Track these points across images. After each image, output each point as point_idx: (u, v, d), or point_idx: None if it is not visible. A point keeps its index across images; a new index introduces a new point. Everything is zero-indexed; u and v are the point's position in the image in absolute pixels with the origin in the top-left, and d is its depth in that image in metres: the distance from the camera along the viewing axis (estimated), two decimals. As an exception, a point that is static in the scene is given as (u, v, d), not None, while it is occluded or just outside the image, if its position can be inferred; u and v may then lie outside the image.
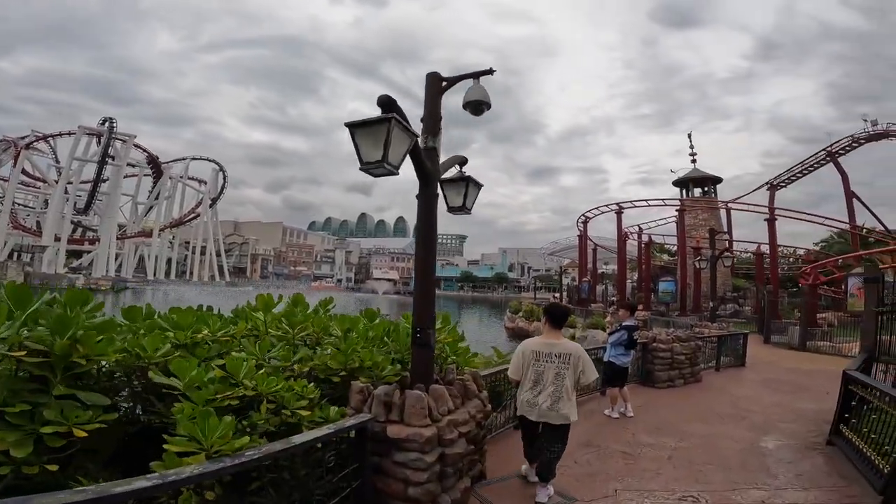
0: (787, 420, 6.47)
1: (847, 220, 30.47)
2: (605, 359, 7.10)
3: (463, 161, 4.46)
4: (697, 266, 14.96)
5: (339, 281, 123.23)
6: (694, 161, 34.00)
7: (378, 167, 2.76)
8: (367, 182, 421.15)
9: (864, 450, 4.49)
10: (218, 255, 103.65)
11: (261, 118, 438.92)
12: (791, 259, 36.73)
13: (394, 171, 2.81)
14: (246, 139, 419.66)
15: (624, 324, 7.03)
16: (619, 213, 30.35)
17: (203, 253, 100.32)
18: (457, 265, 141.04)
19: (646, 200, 30.23)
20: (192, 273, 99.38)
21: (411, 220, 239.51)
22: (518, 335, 30.02)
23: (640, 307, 28.80)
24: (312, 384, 3.03)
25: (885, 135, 29.87)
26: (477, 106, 3.98)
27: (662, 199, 29.68)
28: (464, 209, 4.34)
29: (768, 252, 29.06)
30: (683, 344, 8.73)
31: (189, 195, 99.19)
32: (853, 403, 4.98)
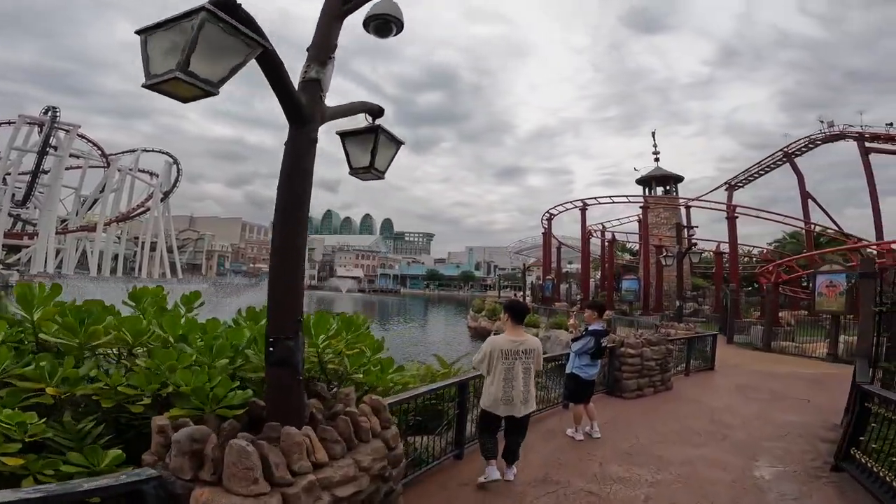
0: (775, 438, 5.55)
1: (804, 221, 31.01)
2: (569, 370, 5.98)
3: (376, 111, 3.19)
4: (663, 262, 14.22)
5: (302, 279, 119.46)
6: (657, 160, 33.99)
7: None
8: (333, 179, 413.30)
9: (890, 479, 3.53)
10: (170, 251, 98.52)
11: (225, 112, 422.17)
12: (746, 259, 37.38)
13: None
14: (208, 133, 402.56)
15: (590, 328, 5.88)
16: (583, 209, 29.88)
17: (153, 249, 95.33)
18: (423, 263, 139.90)
19: (610, 197, 29.99)
20: (140, 270, 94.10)
21: (379, 217, 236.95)
22: (480, 334, 29.03)
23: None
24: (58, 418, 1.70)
25: (841, 136, 30.60)
26: (383, 25, 2.73)
27: (626, 196, 29.49)
28: (372, 171, 3.07)
29: (727, 251, 29.26)
30: (654, 348, 7.79)
31: (141, 189, 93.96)
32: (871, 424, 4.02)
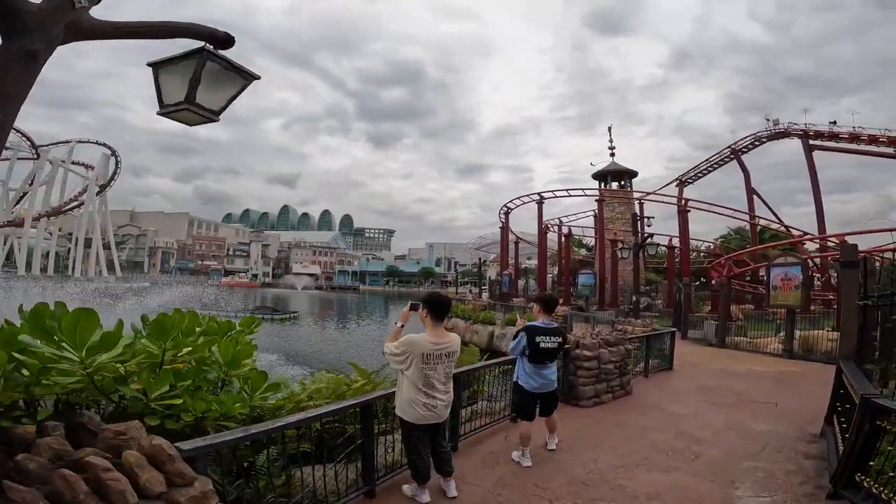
0: (752, 455, 4.75)
1: (749, 215, 31.81)
2: (514, 377, 5.00)
3: (220, 38, 2.01)
4: (619, 255, 13.60)
5: (255, 276, 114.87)
6: (612, 155, 33.98)
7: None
8: (291, 174, 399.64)
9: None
10: (107, 247, 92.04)
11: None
12: (695, 253, 38.23)
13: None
14: (155, 125, 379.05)
15: (529, 324, 4.76)
16: (539, 203, 29.39)
17: (89, 246, 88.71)
18: (383, 259, 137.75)
19: (566, 191, 29.62)
20: (74, 268, 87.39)
21: (338, 212, 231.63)
22: (436, 332, 28.08)
23: (561, 301, 28.09)
24: None
25: (786, 133, 31.60)
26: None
27: (582, 190, 29.22)
28: (191, 109, 1.94)
29: (678, 245, 29.59)
30: (612, 349, 6.92)
31: (77, 182, 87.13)
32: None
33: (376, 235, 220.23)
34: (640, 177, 34.29)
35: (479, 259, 36.32)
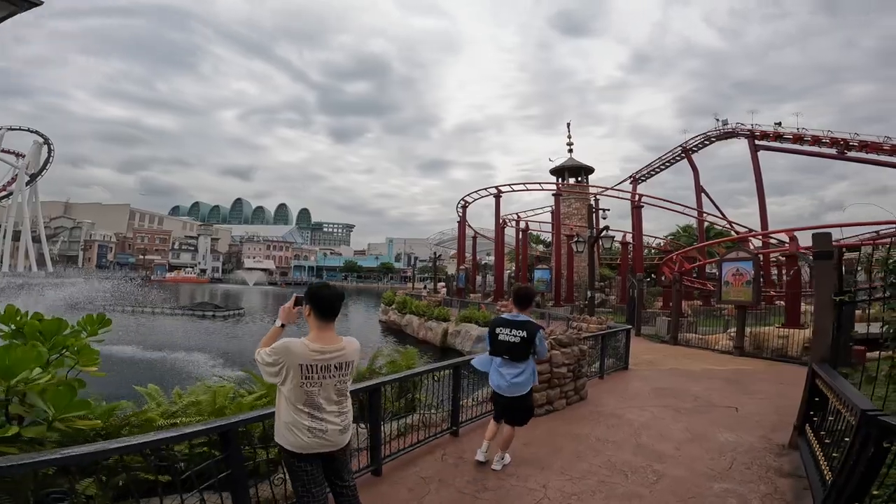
0: (720, 472, 4.13)
1: (697, 211, 32.60)
2: None
3: None
4: (575, 249, 13.11)
5: (204, 271, 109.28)
6: (570, 151, 34.04)
7: None
8: (246, 166, 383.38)
9: None
10: (37, 241, 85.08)
11: (120, 92, 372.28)
12: (646, 249, 39.07)
13: None
14: (98, 114, 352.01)
15: (497, 317, 4.52)
16: (497, 197, 28.89)
17: (17, 238, 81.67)
18: (341, 254, 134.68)
19: (524, 185, 29.24)
20: (2, 261, 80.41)
21: (296, 206, 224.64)
22: (391, 330, 27.05)
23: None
24: None
25: (733, 133, 32.58)
26: None
27: (540, 185, 28.94)
28: None
29: (632, 242, 29.92)
30: (565, 351, 6.24)
31: (4, 171, 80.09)
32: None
33: (335, 230, 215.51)
34: (596, 176, 34.63)
35: (434, 253, 35.44)
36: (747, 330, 11.43)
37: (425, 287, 38.26)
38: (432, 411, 5.44)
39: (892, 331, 3.69)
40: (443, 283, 38.16)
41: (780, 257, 20.71)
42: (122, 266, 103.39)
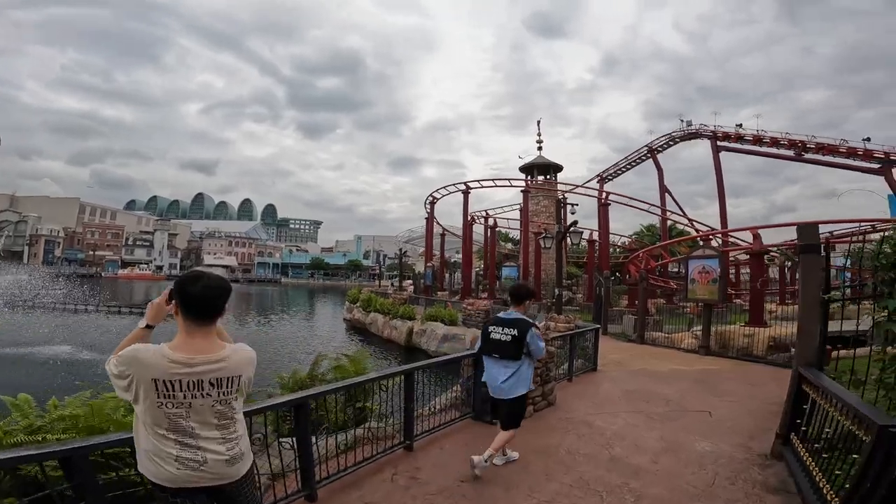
0: (702, 489, 3.71)
1: (661, 210, 33.12)
2: None
3: None
4: (542, 245, 12.74)
5: (160, 268, 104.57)
6: (540, 148, 33.94)
7: None
8: (209, 160, 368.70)
9: None
10: (-24, 234, 79.27)
11: (77, 83, 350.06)
12: (612, 248, 39.57)
13: None
14: (52, 105, 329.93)
15: (494, 316, 4.44)
16: (466, 193, 28.41)
17: (-45, 233, 75.88)
18: (307, 251, 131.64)
19: (493, 181, 28.86)
20: (-65, 258, 74.44)
21: (261, 202, 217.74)
22: (356, 328, 26.18)
23: (485, 295, 27.45)
24: None
25: (697, 134, 33.26)
26: None
27: (509, 181, 28.65)
28: None
29: (598, 240, 30.10)
30: (534, 353, 5.75)
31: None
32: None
33: (302, 227, 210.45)
34: (564, 176, 34.70)
35: (400, 249, 34.68)
36: (712, 329, 11.34)
37: (392, 284, 37.38)
38: (383, 424, 4.85)
39: (885, 331, 3.33)
40: (410, 281, 37.45)
41: (741, 256, 21.12)
42: (70, 262, 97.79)
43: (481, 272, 34.37)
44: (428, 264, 30.26)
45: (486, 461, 3.82)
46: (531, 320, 4.07)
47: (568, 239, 11.97)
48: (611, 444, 4.82)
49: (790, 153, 29.58)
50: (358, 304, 26.55)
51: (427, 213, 32.96)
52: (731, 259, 26.40)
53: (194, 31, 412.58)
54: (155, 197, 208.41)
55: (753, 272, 11.76)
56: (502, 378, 3.88)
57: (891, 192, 29.45)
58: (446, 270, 36.87)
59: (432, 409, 5.44)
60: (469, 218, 30.84)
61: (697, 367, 9.37)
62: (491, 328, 4.00)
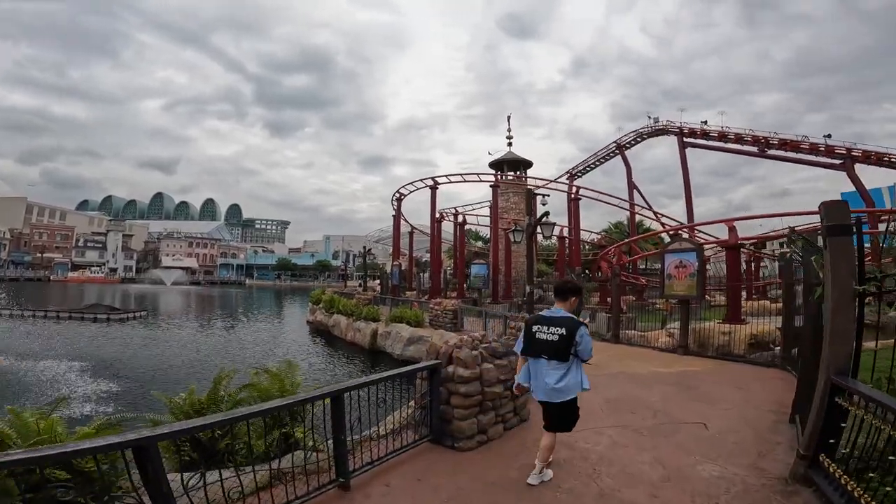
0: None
1: (629, 205, 33.06)
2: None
3: None
4: (512, 239, 11.91)
5: (114, 270, 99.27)
6: (510, 144, 33.30)
7: None
8: (169, 158, 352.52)
9: None
10: None
11: (27, 79, 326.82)
12: (582, 244, 39.45)
13: None
14: (1, 102, 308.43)
15: (536, 314, 4.06)
16: (433, 188, 27.39)
17: None
18: (273, 252, 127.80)
19: (461, 176, 27.98)
20: None
21: (225, 202, 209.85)
22: (319, 331, 24.80)
23: (454, 294, 26.57)
24: None
25: (664, 130, 33.44)
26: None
27: (478, 175, 27.74)
28: None
29: (569, 236, 29.73)
30: (500, 363, 4.83)
31: None
32: None
33: (269, 227, 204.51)
34: (534, 173, 34.26)
35: (364, 247, 33.37)
36: (691, 327, 10.76)
37: (360, 284, 36.08)
38: (313, 454, 3.83)
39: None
40: (378, 281, 36.18)
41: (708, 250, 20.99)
42: (17, 265, 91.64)
43: (451, 271, 33.50)
44: (395, 263, 29.11)
45: (541, 473, 3.72)
46: (580, 319, 3.78)
47: (539, 234, 11.15)
48: (597, 471, 3.94)
49: (754, 149, 30.03)
50: (321, 306, 25.17)
51: (394, 209, 31.79)
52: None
53: (156, 27, 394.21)
54: (110, 197, 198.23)
55: (730, 266, 11.28)
56: (553, 380, 3.60)
57: (844, 190, 30.35)
58: (417, 269, 35.81)
59: (380, 433, 4.44)
60: (438, 215, 29.92)
61: (678, 368, 8.70)
62: (535, 327, 3.71)
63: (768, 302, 17.12)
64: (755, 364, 8.96)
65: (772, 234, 13.52)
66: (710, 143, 30.78)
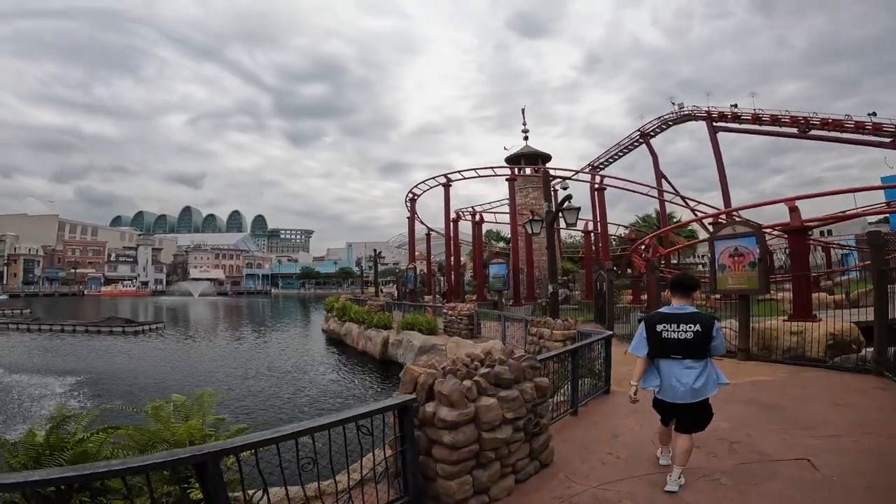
0: None
1: (659, 192, 30.85)
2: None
3: None
4: (530, 230, 10.33)
5: (145, 284, 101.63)
6: (526, 138, 31.63)
7: None
8: (195, 173, 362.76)
9: None
10: (-50, 257, 76.46)
11: (55, 97, 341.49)
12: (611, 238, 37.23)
13: None
14: (29, 120, 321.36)
15: (654, 312, 3.80)
16: (447, 185, 25.95)
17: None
18: (297, 260, 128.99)
19: (475, 170, 26.39)
20: None
21: (250, 213, 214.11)
22: (333, 340, 23.69)
23: (474, 298, 25.03)
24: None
25: (691, 116, 31.16)
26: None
27: (492, 169, 26.09)
28: None
29: (595, 230, 27.81)
30: (507, 395, 3.29)
31: None
32: None
33: (293, 237, 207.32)
34: (553, 167, 32.33)
35: (375, 251, 32.14)
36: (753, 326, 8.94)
37: (382, 290, 35.02)
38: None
39: None
40: (394, 286, 34.95)
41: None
42: (52, 281, 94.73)
43: (473, 273, 31.94)
44: (409, 266, 27.75)
45: (679, 479, 3.38)
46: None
47: (561, 221, 9.52)
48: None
49: (793, 130, 27.58)
50: (334, 314, 24.04)
51: (408, 210, 30.47)
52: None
53: (172, 41, 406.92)
54: (141, 212, 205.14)
55: (796, 253, 9.42)
56: (690, 380, 3.39)
57: (883, 174, 27.52)
58: (439, 273, 34.42)
59: (338, 488, 2.97)
60: (455, 215, 28.45)
61: (743, 378, 6.96)
62: (660, 326, 3.49)
63: (824, 294, 15.01)
64: (842, 370, 7.16)
65: (849, 212, 11.45)
66: (744, 126, 28.42)
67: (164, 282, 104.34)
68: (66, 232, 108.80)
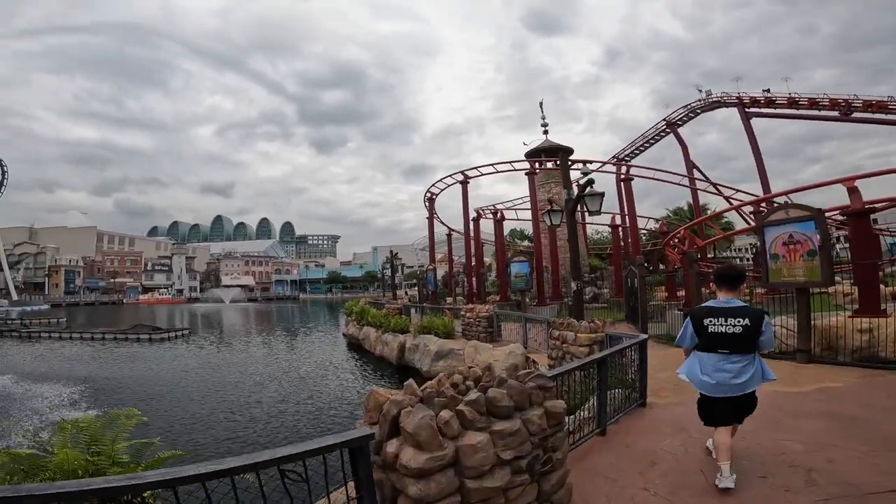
0: None
1: (690, 180, 29.14)
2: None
3: None
4: (549, 221, 9.35)
5: (180, 291, 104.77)
6: (546, 132, 30.42)
7: None
8: (225, 183, 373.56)
9: None
10: None
11: (89, 112, 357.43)
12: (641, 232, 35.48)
13: None
14: (67, 135, 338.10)
15: (700, 305, 3.64)
16: (464, 182, 25.07)
17: (-21, 268, 76.89)
18: (324, 265, 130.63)
19: (493, 166, 25.33)
20: (-40, 291, 75.82)
21: (278, 221, 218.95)
22: (353, 345, 23.18)
23: (497, 298, 24.05)
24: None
25: (720, 103, 29.37)
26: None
27: (511, 163, 25.04)
28: None
29: (623, 223, 26.44)
30: (502, 429, 2.42)
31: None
32: None
33: (321, 242, 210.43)
34: (576, 159, 31.00)
35: (391, 252, 31.51)
36: (815, 324, 7.75)
37: (406, 293, 34.62)
38: None
39: None
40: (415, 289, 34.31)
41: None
42: (92, 290, 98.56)
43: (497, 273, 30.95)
44: (429, 267, 27.00)
45: (732, 474, 3.17)
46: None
47: (584, 205, 8.50)
48: None
49: (834, 114, 25.57)
50: (352, 317, 23.51)
51: (426, 210, 29.74)
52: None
53: (197, 54, 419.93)
54: (176, 222, 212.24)
55: (857, 240, 8.16)
56: (737, 374, 3.26)
57: None
58: (463, 273, 33.57)
59: None
60: (475, 214, 27.55)
61: (808, 385, 5.87)
62: (707, 320, 3.33)
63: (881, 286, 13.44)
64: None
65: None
66: (780, 111, 26.52)
67: (198, 289, 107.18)
68: (105, 243, 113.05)
